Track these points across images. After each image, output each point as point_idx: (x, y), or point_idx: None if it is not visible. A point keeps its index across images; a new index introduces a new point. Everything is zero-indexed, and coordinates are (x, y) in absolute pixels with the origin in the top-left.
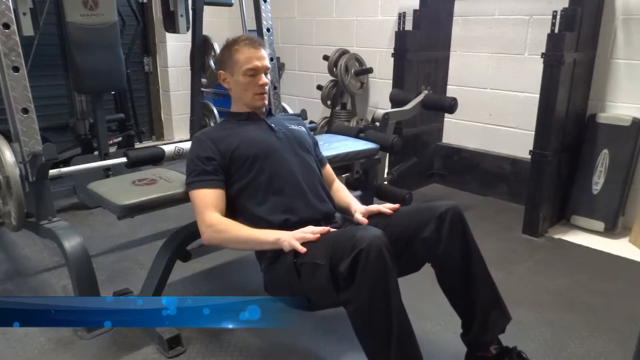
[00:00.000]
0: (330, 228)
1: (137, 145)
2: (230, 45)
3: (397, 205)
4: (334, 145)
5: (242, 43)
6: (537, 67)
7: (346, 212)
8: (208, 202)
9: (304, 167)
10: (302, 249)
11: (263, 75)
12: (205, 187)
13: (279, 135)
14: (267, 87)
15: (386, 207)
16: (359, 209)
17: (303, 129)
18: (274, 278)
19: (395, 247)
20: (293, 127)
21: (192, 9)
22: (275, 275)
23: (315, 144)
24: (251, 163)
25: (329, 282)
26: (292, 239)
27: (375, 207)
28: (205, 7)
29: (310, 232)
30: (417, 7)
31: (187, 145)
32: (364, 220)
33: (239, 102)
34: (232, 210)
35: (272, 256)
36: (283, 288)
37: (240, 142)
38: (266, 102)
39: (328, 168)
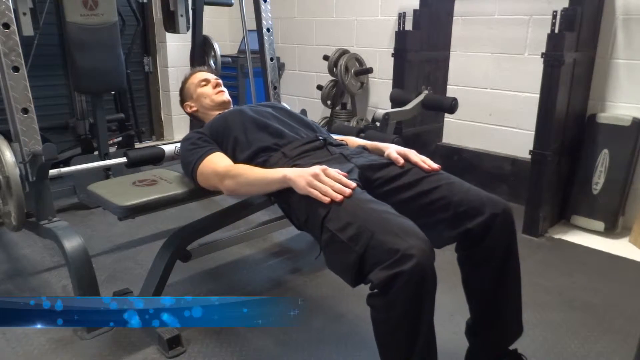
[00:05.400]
0: (356, 183)
1: (137, 145)
2: (183, 83)
3: (437, 166)
4: None
5: (190, 75)
6: (537, 67)
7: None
8: (216, 161)
9: (285, 112)
10: (325, 199)
11: (213, 79)
12: (206, 155)
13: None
14: (222, 87)
15: (425, 162)
16: (393, 147)
17: None
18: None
19: (433, 215)
20: None
21: (192, 9)
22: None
23: None
24: (231, 125)
25: (354, 268)
26: (308, 176)
27: (415, 155)
28: (205, 7)
29: (336, 174)
30: (417, 7)
31: None
32: (399, 159)
33: (207, 112)
34: None
35: (303, 217)
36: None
37: (215, 120)
38: (227, 97)
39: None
